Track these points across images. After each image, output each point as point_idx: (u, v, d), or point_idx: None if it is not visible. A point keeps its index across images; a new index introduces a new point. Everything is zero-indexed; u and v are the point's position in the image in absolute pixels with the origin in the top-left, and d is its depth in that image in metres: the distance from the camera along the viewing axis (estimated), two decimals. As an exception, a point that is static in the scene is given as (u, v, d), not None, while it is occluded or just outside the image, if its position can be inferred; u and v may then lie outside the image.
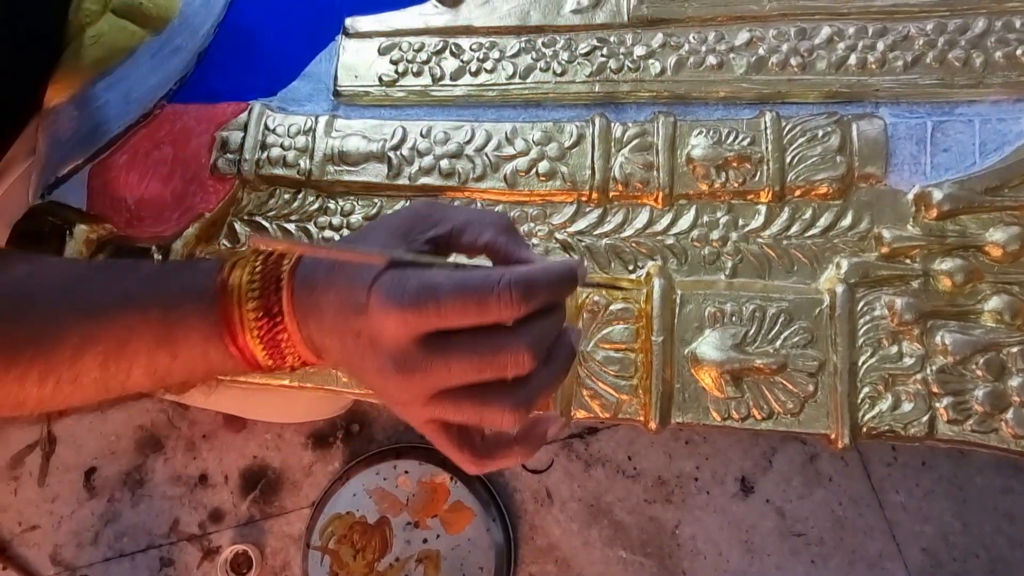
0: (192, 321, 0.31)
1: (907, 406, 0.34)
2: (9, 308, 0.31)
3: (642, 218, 0.39)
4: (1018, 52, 0.37)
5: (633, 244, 0.38)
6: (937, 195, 0.36)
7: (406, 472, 0.83)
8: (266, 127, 0.43)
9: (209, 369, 0.32)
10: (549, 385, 0.28)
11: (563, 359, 0.29)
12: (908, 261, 0.36)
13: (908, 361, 0.35)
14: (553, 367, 0.28)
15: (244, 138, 0.43)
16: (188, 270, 0.36)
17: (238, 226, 0.43)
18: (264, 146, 0.43)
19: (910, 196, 0.37)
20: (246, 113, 0.43)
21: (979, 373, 0.34)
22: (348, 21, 0.44)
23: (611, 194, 0.39)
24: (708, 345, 0.36)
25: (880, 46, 0.38)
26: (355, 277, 0.27)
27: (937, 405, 0.34)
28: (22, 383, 0.30)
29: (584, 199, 0.39)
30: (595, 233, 0.39)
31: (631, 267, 0.38)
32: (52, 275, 0.33)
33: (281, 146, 0.43)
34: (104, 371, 0.31)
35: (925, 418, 0.34)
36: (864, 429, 0.34)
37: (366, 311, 0.27)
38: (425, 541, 0.81)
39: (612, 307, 0.37)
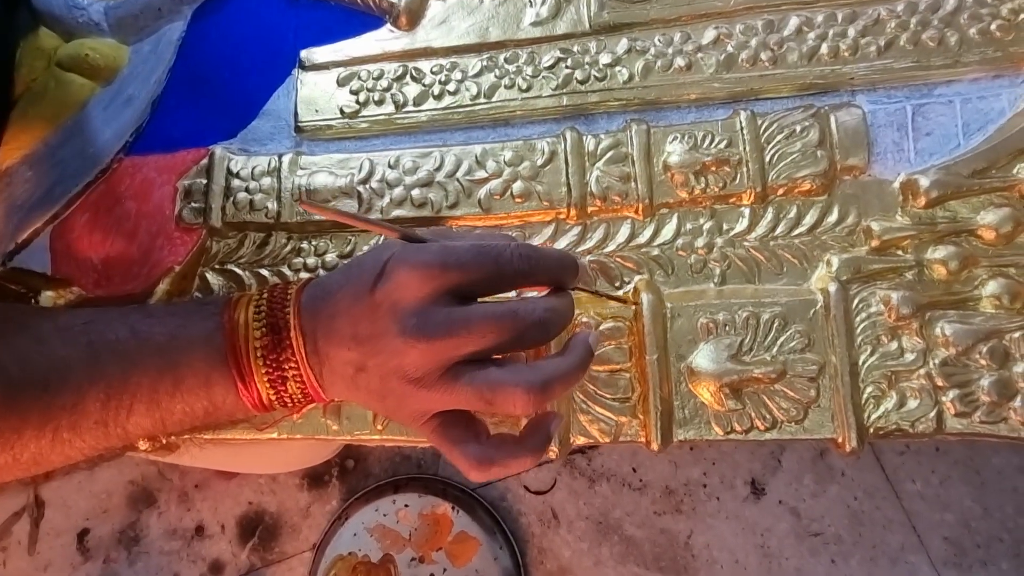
0: (196, 345, 0.31)
1: (913, 403, 0.33)
2: (27, 364, 0.30)
3: (624, 232, 0.38)
4: (992, 27, 0.36)
5: (617, 259, 0.37)
6: (924, 182, 0.35)
7: (406, 506, 0.81)
8: (229, 171, 0.42)
9: (209, 404, 0.32)
10: (565, 376, 0.29)
11: (580, 353, 0.30)
12: (900, 252, 0.35)
13: (909, 356, 0.34)
14: (570, 358, 0.30)
15: (208, 185, 0.41)
16: (194, 301, 0.39)
17: (210, 276, 0.41)
18: (229, 191, 0.41)
19: (896, 185, 0.36)
20: (207, 159, 0.42)
21: (983, 362, 0.33)
22: (303, 53, 0.43)
23: (589, 209, 0.38)
24: (704, 358, 0.34)
25: (851, 32, 0.37)
26: (371, 264, 0.29)
27: (943, 399, 0.33)
28: (20, 434, 0.29)
29: (563, 217, 0.38)
30: (577, 251, 0.38)
31: (617, 283, 0.37)
32: (59, 322, 0.33)
33: (246, 190, 0.41)
34: (105, 410, 0.30)
35: (932, 413, 0.33)
36: (871, 430, 0.33)
37: (387, 279, 0.28)
38: (432, 576, 0.79)
39: (602, 327, 0.36)
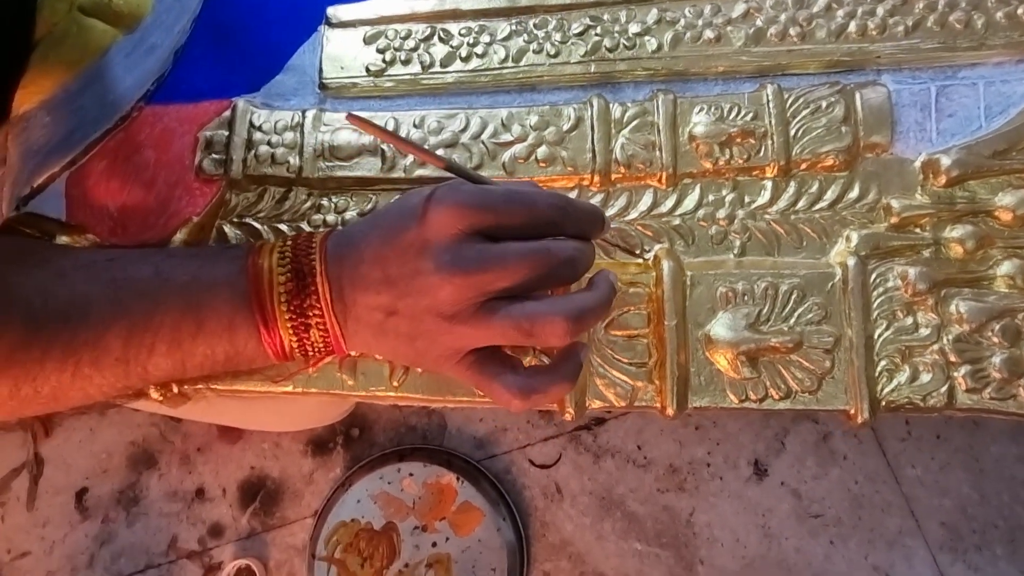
0: (220, 287, 0.31)
1: (925, 377, 0.34)
2: (49, 297, 0.31)
3: (646, 200, 0.38)
4: (1019, 11, 0.36)
5: (639, 227, 0.37)
6: (945, 161, 0.35)
7: (410, 474, 0.81)
8: (251, 124, 0.41)
9: (231, 348, 0.31)
10: (595, 307, 0.30)
11: (605, 288, 0.31)
12: (918, 230, 0.35)
13: (924, 332, 0.34)
14: (597, 292, 0.31)
15: (229, 137, 0.41)
16: (217, 246, 0.39)
17: (228, 229, 0.41)
18: (250, 144, 0.41)
19: (917, 164, 0.36)
20: (229, 111, 0.42)
21: (995, 340, 0.33)
22: (330, 10, 0.43)
23: (613, 177, 0.38)
24: (722, 326, 0.35)
25: (880, 11, 0.38)
26: (398, 210, 0.30)
27: (955, 375, 0.33)
28: (42, 365, 0.30)
29: (586, 183, 0.38)
30: (599, 217, 0.38)
31: (638, 251, 0.37)
32: (81, 259, 0.33)
33: (268, 143, 0.41)
34: (126, 348, 0.30)
35: (944, 388, 0.33)
36: (883, 403, 0.34)
37: (422, 218, 0.28)
38: (434, 545, 0.80)
39: (621, 292, 0.36)
